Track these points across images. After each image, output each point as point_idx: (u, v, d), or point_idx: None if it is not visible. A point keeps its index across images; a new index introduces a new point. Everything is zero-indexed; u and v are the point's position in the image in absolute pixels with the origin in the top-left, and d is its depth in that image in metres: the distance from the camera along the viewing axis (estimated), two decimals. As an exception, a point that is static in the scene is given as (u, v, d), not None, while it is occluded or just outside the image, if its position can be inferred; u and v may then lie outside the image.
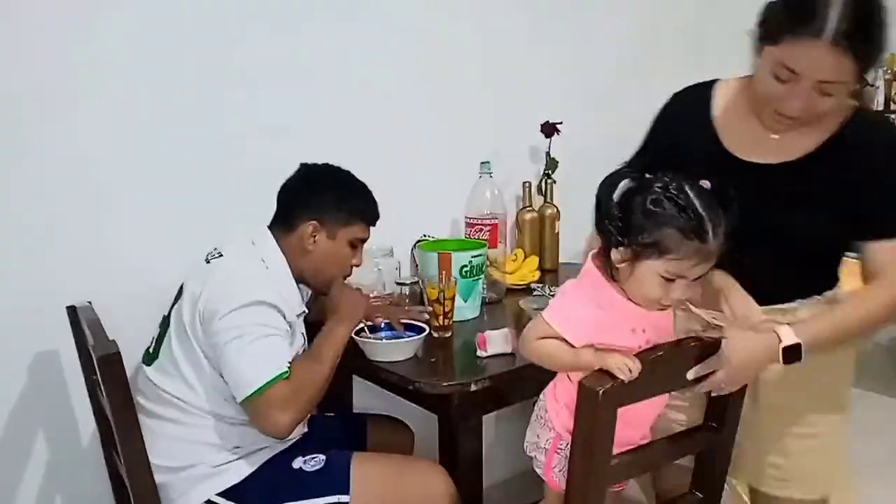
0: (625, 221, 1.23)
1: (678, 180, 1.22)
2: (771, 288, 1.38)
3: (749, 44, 1.33)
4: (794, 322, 1.34)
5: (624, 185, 1.25)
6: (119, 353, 1.37)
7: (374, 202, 1.73)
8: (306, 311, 1.70)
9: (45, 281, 1.73)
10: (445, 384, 1.61)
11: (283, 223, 1.68)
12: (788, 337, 1.27)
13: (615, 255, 1.26)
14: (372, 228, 1.75)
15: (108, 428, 1.50)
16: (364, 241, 1.73)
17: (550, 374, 1.70)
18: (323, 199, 1.66)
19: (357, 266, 1.74)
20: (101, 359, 1.37)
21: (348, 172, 1.73)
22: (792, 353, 1.28)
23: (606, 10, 2.63)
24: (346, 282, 1.74)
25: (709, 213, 1.19)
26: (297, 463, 1.60)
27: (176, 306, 1.61)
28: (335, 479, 1.56)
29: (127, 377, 1.38)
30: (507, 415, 2.47)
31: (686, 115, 1.49)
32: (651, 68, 2.69)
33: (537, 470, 1.45)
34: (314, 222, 1.65)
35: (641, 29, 2.70)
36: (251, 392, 1.47)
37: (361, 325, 1.71)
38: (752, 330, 1.30)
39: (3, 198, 1.68)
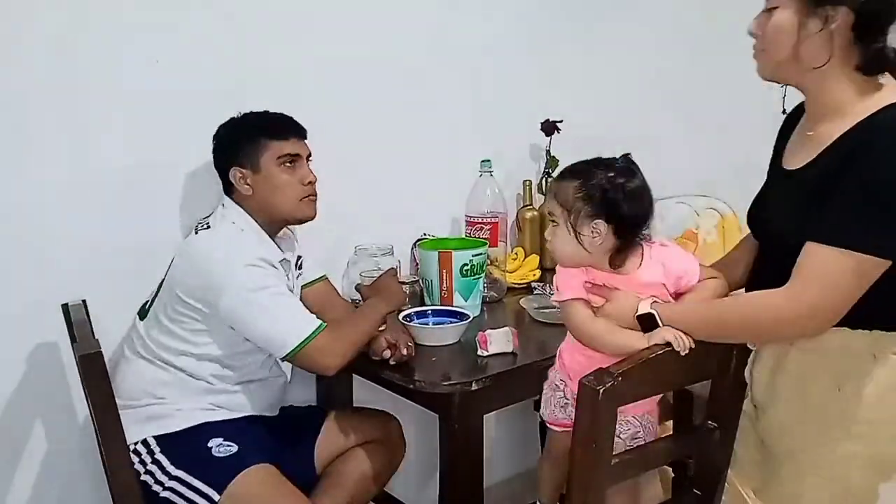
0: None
1: None
2: None
3: None
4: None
5: None
6: (100, 352, 1.38)
7: (275, 116, 1.75)
8: (287, 259, 1.76)
9: (45, 276, 1.73)
10: (446, 384, 1.61)
11: (225, 188, 1.77)
12: (643, 307, 1.35)
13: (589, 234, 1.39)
14: (306, 141, 1.76)
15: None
16: (293, 155, 1.73)
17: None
18: (229, 146, 1.74)
19: (312, 182, 1.75)
20: (82, 357, 1.40)
21: (249, 112, 1.76)
22: (646, 321, 1.34)
23: (607, 8, 2.62)
24: (393, 275, 1.88)
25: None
26: (213, 442, 1.65)
27: (169, 274, 1.71)
28: (219, 475, 1.59)
29: (109, 376, 1.39)
30: (507, 415, 2.47)
31: (783, 128, 1.46)
32: (651, 67, 2.69)
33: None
34: (234, 168, 1.71)
35: (643, 28, 2.70)
36: (293, 347, 1.58)
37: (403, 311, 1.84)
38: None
39: (4, 195, 1.68)
